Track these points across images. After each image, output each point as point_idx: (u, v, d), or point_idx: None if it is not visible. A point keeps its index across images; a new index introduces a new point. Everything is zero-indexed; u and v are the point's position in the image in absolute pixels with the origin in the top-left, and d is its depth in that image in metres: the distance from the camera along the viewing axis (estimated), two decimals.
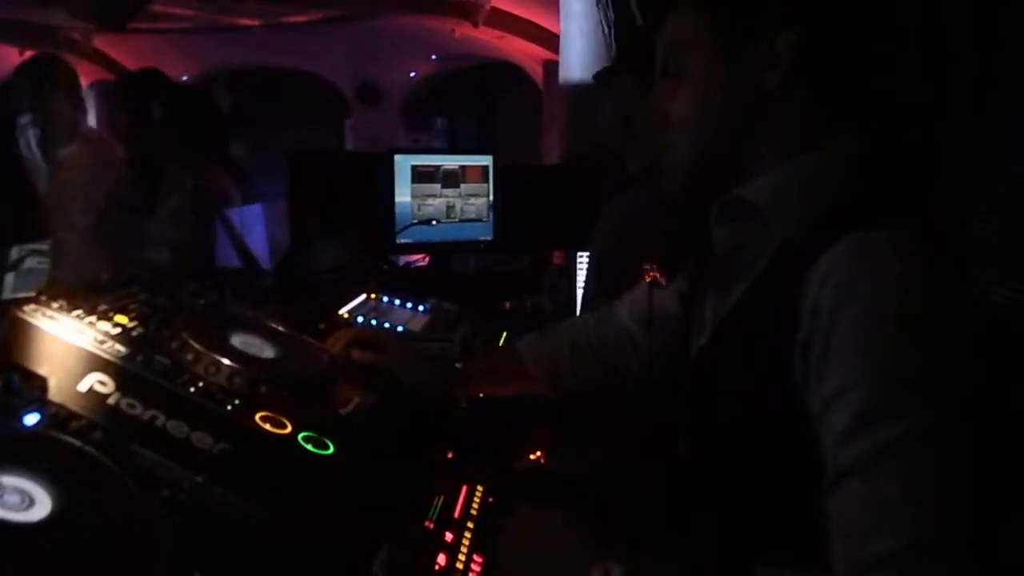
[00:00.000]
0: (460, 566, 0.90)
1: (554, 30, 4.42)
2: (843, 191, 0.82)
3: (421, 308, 1.97)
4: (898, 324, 0.72)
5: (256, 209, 3.04)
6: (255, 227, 2.94)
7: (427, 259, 2.66)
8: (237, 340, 1.04)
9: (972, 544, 0.69)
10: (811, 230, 0.79)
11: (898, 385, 0.71)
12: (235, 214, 2.67)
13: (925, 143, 0.90)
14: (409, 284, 2.21)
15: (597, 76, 1.92)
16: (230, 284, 1.35)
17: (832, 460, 0.74)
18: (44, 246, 2.06)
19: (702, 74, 0.87)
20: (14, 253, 2.01)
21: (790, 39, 0.81)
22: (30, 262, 2.03)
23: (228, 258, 2.56)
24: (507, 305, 2.35)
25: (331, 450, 0.89)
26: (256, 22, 6.37)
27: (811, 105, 0.84)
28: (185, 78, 7.09)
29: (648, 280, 0.98)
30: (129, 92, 2.47)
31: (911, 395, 0.70)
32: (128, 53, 6.25)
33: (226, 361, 0.94)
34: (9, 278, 2.01)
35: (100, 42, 5.89)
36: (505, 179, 2.59)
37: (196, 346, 0.95)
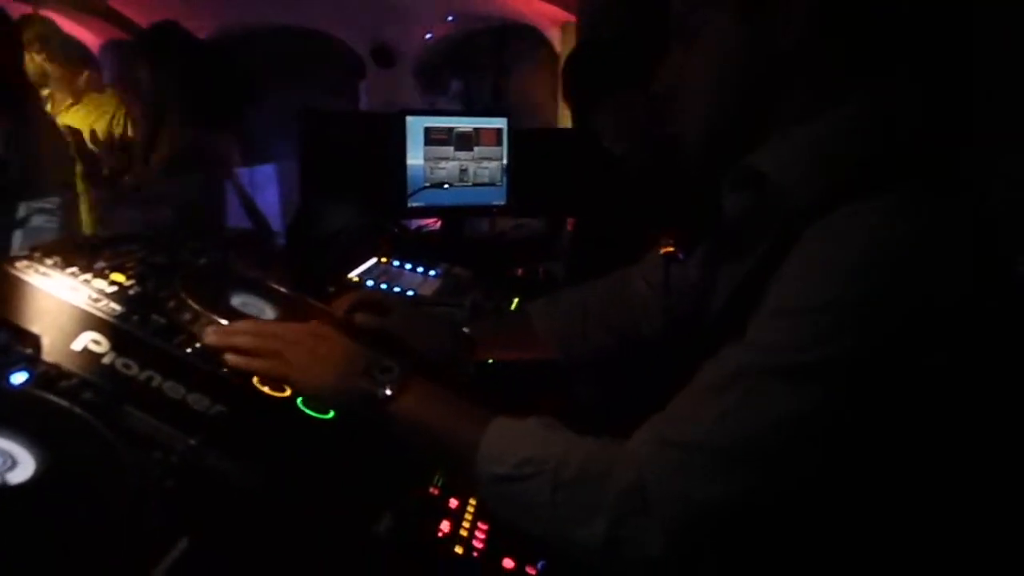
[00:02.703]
0: (464, 533, 0.88)
1: None
2: (855, 157, 0.77)
3: (432, 273, 1.94)
4: (850, 268, 0.70)
5: (268, 169, 3.01)
6: (267, 188, 2.91)
7: (439, 223, 2.62)
8: (237, 300, 1.01)
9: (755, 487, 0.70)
10: (820, 200, 0.75)
11: (805, 325, 0.70)
12: (246, 174, 2.64)
13: (950, 104, 0.85)
14: (421, 248, 2.18)
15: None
16: (239, 245, 1.33)
17: (724, 356, 0.75)
18: (50, 204, 2.05)
19: (717, 35, 0.83)
20: (21, 210, 2.00)
21: None
22: (37, 220, 2.01)
23: (239, 219, 2.53)
24: (519, 271, 2.32)
25: (331, 414, 0.86)
26: None
27: (826, 66, 0.79)
28: (201, 36, 7.03)
29: (663, 253, 0.95)
30: (148, 47, 2.42)
31: (813, 341, 0.69)
32: (142, 11, 6.19)
33: (224, 322, 0.92)
34: (17, 235, 2.00)
35: (114, 0, 5.82)
36: (520, 143, 2.54)
37: (194, 306, 0.92)
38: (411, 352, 1.12)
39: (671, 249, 0.94)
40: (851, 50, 0.79)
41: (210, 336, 0.90)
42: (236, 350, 0.89)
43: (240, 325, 0.95)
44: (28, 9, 3.21)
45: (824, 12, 0.77)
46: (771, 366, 0.71)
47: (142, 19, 6.10)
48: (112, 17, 6.19)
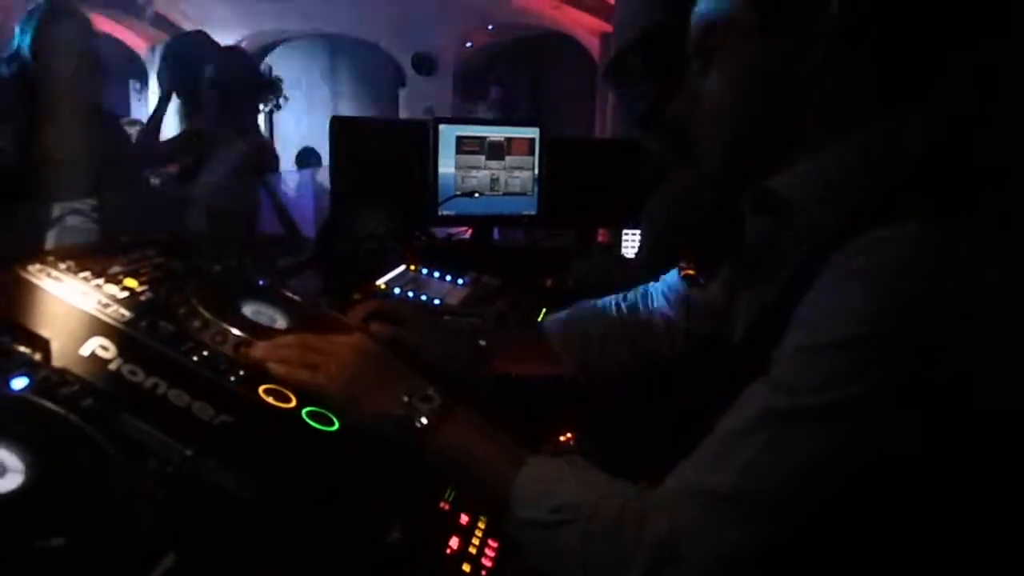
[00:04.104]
0: (474, 550, 0.86)
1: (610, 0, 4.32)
2: (879, 183, 0.74)
3: (460, 281, 1.93)
4: (873, 308, 0.67)
5: (303, 175, 3.03)
6: (302, 194, 2.93)
7: (469, 232, 2.62)
8: (248, 309, 1.01)
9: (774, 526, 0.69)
10: (843, 226, 0.72)
11: (834, 362, 0.68)
12: (280, 180, 2.66)
13: (987, 125, 0.81)
14: (450, 256, 2.18)
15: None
16: (269, 250, 1.33)
17: (743, 404, 0.73)
18: (85, 204, 2.08)
19: (737, 55, 0.80)
20: (56, 210, 2.03)
21: (833, 11, 0.73)
22: (72, 220, 2.04)
23: (272, 224, 2.55)
24: (549, 282, 2.30)
25: (336, 426, 0.85)
26: None
27: (852, 87, 0.76)
28: (241, 41, 7.16)
29: (683, 275, 0.93)
30: (174, 56, 2.46)
31: (842, 379, 0.67)
32: (185, 14, 6.33)
33: (234, 330, 0.91)
34: (51, 235, 2.03)
35: (161, 5, 5.96)
36: (552, 152, 2.52)
37: (204, 313, 0.92)
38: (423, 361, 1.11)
39: (691, 272, 0.92)
40: (880, 70, 0.76)
41: (257, 350, 0.90)
42: (281, 360, 0.89)
43: (289, 338, 0.95)
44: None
45: (852, 29, 0.74)
46: (796, 408, 0.69)
47: (188, 24, 6.24)
48: (160, 23, 6.33)
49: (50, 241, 1.99)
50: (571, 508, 0.76)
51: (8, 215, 1.91)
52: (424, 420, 0.86)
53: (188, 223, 2.16)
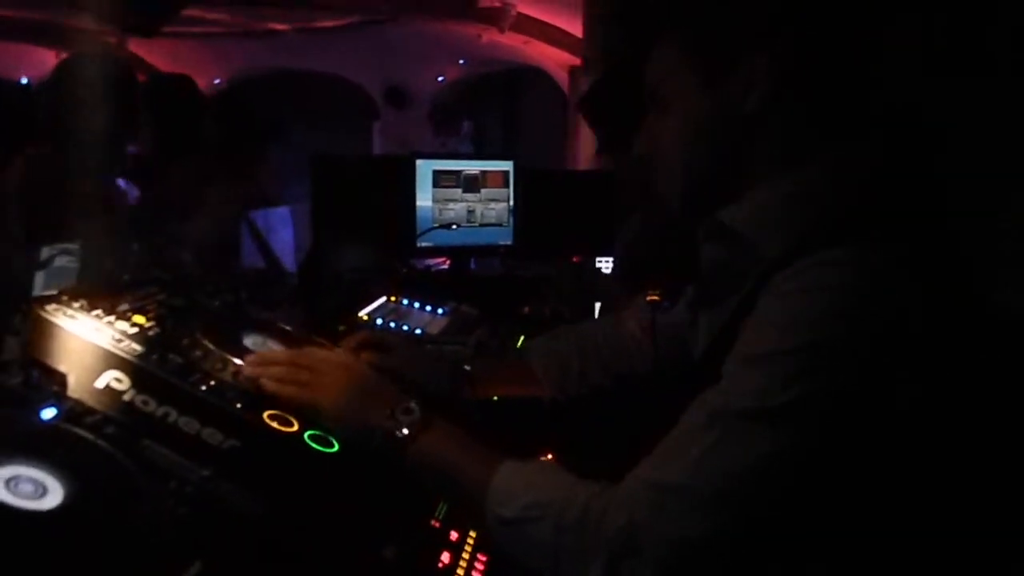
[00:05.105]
0: (464, 565, 0.92)
1: (579, 35, 4.45)
2: (820, 212, 0.83)
3: (440, 311, 2.00)
4: (807, 317, 0.75)
5: (283, 211, 3.09)
6: (281, 229, 2.97)
7: (448, 262, 2.69)
8: (249, 340, 1.07)
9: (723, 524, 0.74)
10: (787, 251, 0.81)
11: (777, 367, 0.74)
12: (260, 216, 2.71)
13: (915, 153, 0.90)
14: (429, 287, 2.24)
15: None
16: (252, 285, 1.39)
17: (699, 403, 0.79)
18: (74, 245, 2.11)
19: (685, 104, 0.90)
20: (44, 252, 2.07)
21: (764, 63, 0.83)
22: (60, 261, 2.08)
23: (253, 259, 2.60)
24: (526, 309, 2.37)
25: (335, 448, 0.91)
26: (286, 27, 6.48)
27: (792, 125, 0.86)
28: (218, 81, 7.22)
29: (648, 300, 1.01)
30: (152, 97, 2.53)
31: (783, 384, 0.73)
32: (162, 57, 6.38)
33: (237, 361, 0.98)
34: (39, 276, 2.06)
35: (135, 46, 6.00)
36: (526, 184, 2.61)
37: (209, 346, 0.98)
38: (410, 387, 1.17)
39: (656, 297, 1.00)
40: (812, 111, 0.86)
41: (249, 365, 0.98)
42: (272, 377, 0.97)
43: (278, 354, 1.04)
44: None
45: (785, 77, 0.84)
46: (744, 409, 0.75)
47: (164, 64, 6.29)
48: (133, 62, 6.36)
49: (39, 282, 2.02)
50: (543, 505, 0.83)
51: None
52: (405, 431, 0.93)
53: (171, 258, 2.21)
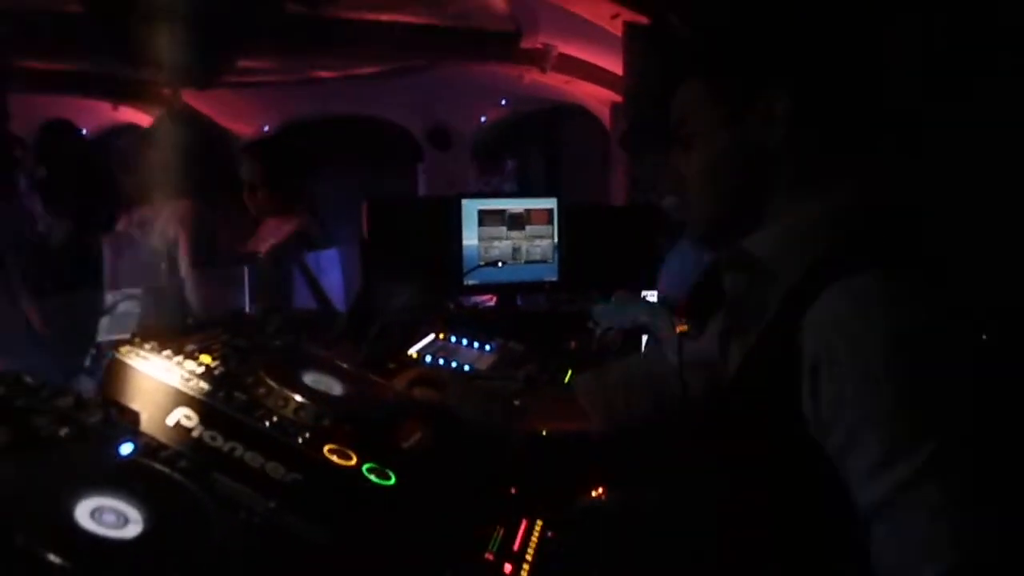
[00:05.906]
0: None
1: (619, 73, 4.51)
2: (837, 238, 0.86)
3: (488, 347, 2.03)
4: (887, 363, 0.75)
5: (331, 253, 3.17)
6: (331, 270, 3.05)
7: (494, 299, 2.73)
8: (309, 378, 1.11)
9: (1005, 557, 0.71)
10: (809, 277, 0.84)
11: (899, 423, 0.74)
12: (311, 258, 2.80)
13: (924, 183, 0.94)
14: (477, 324, 2.28)
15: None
16: (305, 325, 1.44)
17: (862, 501, 0.77)
18: (137, 291, 2.21)
19: (708, 139, 0.95)
20: (109, 299, 2.17)
21: (784, 100, 0.88)
22: (124, 306, 2.17)
23: (305, 300, 2.67)
24: (573, 344, 2.39)
25: (392, 481, 0.94)
26: (332, 74, 6.66)
27: (812, 158, 0.90)
28: (267, 128, 7.44)
29: (678, 331, 1.04)
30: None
31: (913, 430, 0.74)
32: (214, 106, 6.61)
33: (298, 397, 1.02)
34: (104, 321, 2.16)
35: (189, 96, 6.23)
36: (569, 220, 2.65)
37: (271, 383, 1.03)
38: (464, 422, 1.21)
39: (685, 328, 1.03)
40: (826, 137, 0.90)
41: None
42: None
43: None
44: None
45: (800, 111, 0.88)
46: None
47: (212, 112, 6.51)
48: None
49: (104, 326, 2.11)
50: None
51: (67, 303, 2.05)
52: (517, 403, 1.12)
53: (230, 302, 2.29)
